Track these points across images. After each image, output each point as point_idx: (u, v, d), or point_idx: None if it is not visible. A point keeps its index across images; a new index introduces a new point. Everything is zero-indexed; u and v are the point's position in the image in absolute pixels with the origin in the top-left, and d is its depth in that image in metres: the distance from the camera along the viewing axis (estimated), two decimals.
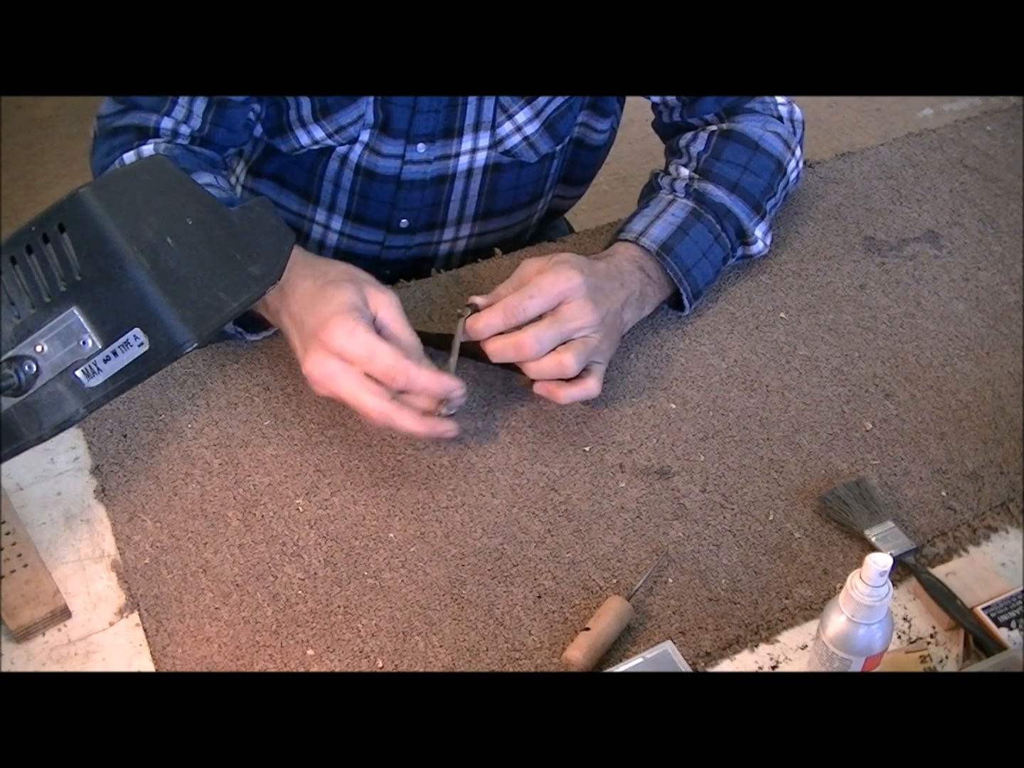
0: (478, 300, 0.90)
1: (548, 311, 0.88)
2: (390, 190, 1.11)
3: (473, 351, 0.90)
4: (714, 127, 1.07)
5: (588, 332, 0.88)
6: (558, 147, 1.14)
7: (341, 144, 1.07)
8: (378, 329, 0.84)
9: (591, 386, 0.89)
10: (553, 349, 0.87)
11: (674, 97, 1.09)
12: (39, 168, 2.49)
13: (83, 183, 0.62)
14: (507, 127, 1.08)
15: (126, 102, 1.01)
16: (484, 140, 1.09)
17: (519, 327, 0.87)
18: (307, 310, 0.84)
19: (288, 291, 0.87)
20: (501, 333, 0.88)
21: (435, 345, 0.94)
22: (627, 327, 0.97)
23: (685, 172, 1.04)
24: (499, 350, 0.87)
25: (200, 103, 0.99)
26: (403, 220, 1.14)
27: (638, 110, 1.24)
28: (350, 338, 0.81)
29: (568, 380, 0.88)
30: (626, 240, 0.99)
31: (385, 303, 0.85)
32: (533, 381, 0.90)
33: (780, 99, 1.09)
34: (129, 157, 0.98)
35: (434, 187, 1.12)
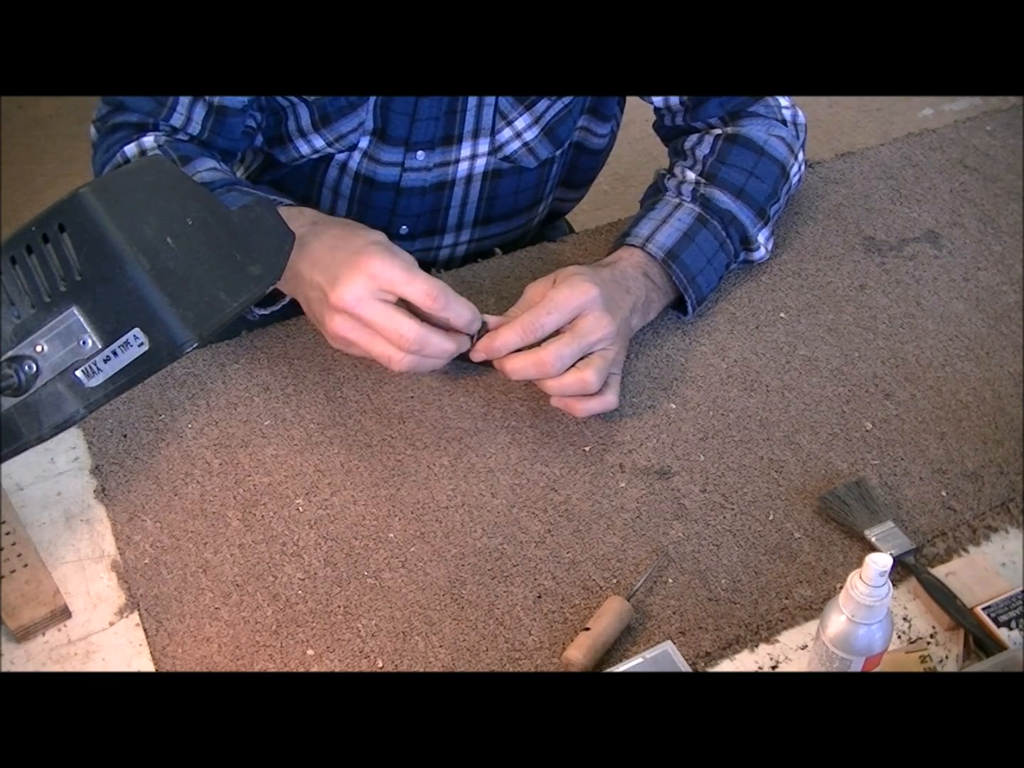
0: (489, 319, 0.89)
1: (565, 326, 0.87)
2: (389, 197, 1.11)
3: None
4: (719, 131, 1.07)
5: (606, 344, 0.88)
6: (558, 152, 1.14)
7: (340, 151, 1.07)
8: None
9: (609, 399, 0.88)
10: (573, 364, 0.86)
11: (677, 101, 1.08)
12: (39, 168, 2.49)
13: (83, 183, 0.62)
14: (506, 133, 1.08)
15: (119, 103, 1.00)
16: (483, 146, 1.09)
17: (536, 344, 0.87)
18: (337, 248, 0.85)
19: (311, 239, 0.87)
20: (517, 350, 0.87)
21: None
22: (633, 332, 0.97)
23: (691, 175, 1.04)
24: (520, 368, 0.86)
25: (199, 110, 0.98)
26: (403, 227, 1.14)
27: (638, 110, 1.24)
28: (390, 264, 0.82)
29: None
30: (632, 245, 0.99)
31: (410, 257, 0.86)
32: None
33: (784, 102, 1.08)
34: (131, 149, 0.97)
35: (433, 194, 1.11)
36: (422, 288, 0.82)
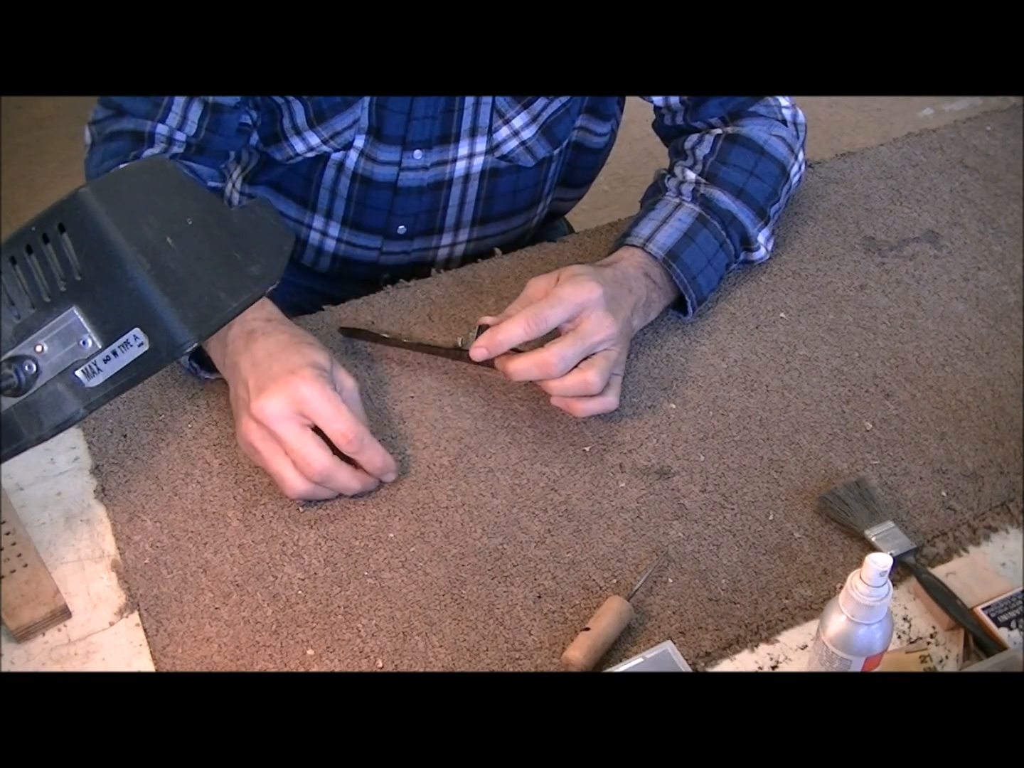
0: (488, 320, 0.89)
1: (567, 325, 0.87)
2: (387, 197, 1.11)
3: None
4: (719, 130, 1.07)
5: (608, 345, 0.88)
6: (556, 151, 1.14)
7: (336, 150, 1.07)
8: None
9: (610, 400, 0.88)
10: (575, 365, 0.86)
11: (677, 100, 1.08)
12: (39, 168, 2.49)
13: (83, 183, 0.62)
14: (504, 132, 1.08)
15: (116, 107, 1.00)
16: (481, 145, 1.09)
17: (537, 343, 0.86)
18: (276, 357, 0.83)
19: (259, 337, 0.86)
20: (517, 351, 0.87)
21: (442, 356, 0.96)
22: (634, 332, 0.97)
23: (691, 175, 1.03)
24: (522, 369, 0.86)
25: (196, 109, 0.98)
26: (400, 226, 1.14)
27: (638, 110, 1.24)
28: (319, 394, 0.81)
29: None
30: (632, 245, 0.99)
31: (350, 386, 0.86)
32: None
33: (784, 102, 1.08)
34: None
35: (431, 193, 1.11)
36: (340, 429, 0.81)
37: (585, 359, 0.87)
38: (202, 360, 0.93)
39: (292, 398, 0.80)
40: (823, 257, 1.10)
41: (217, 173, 1.04)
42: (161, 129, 0.98)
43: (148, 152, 0.98)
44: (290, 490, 0.83)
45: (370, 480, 0.85)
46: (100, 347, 0.62)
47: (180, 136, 0.99)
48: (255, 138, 1.09)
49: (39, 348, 0.62)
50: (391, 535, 0.84)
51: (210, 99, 0.98)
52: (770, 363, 0.99)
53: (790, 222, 1.13)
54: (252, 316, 0.88)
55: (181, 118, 0.98)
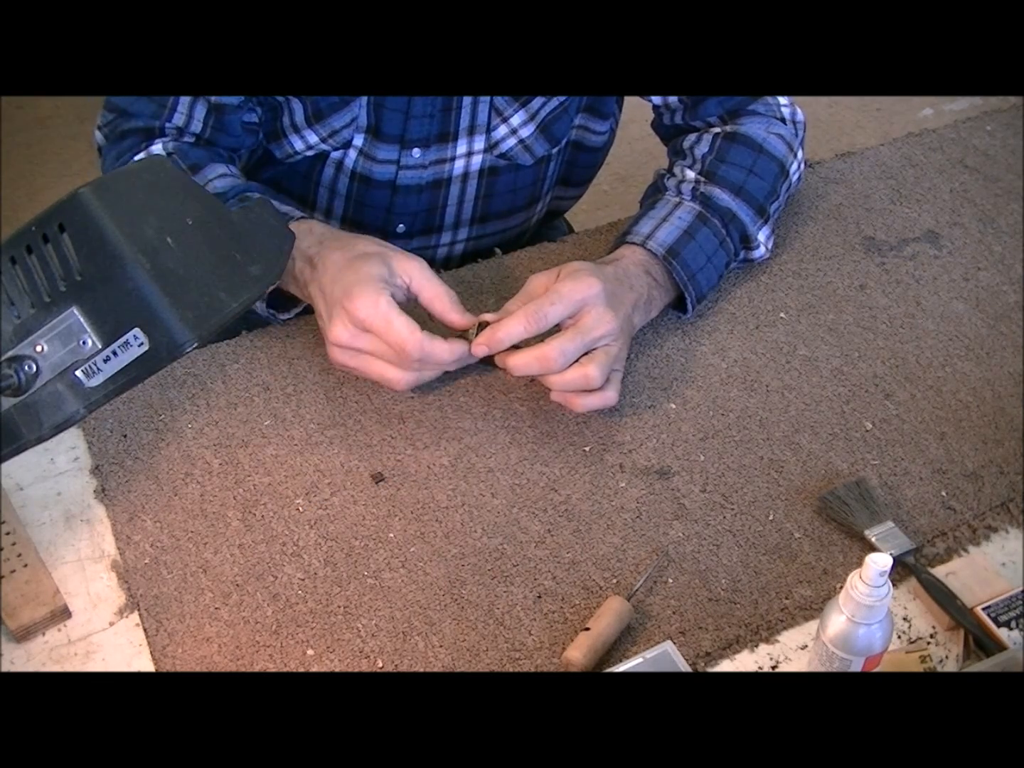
0: (488, 317, 0.89)
1: (567, 321, 0.87)
2: (386, 195, 1.11)
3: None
4: (718, 129, 1.07)
5: (609, 340, 0.88)
6: (554, 150, 1.14)
7: (335, 148, 1.07)
8: (415, 294, 0.89)
9: (609, 395, 0.88)
10: (576, 360, 0.86)
11: (676, 99, 1.08)
12: (39, 168, 2.49)
13: (83, 183, 0.62)
14: (502, 130, 1.08)
15: (121, 111, 1.00)
16: (479, 143, 1.09)
17: (537, 339, 0.86)
18: (336, 280, 0.87)
19: (319, 263, 0.90)
20: (518, 347, 0.87)
21: None
22: (635, 330, 0.97)
23: (691, 174, 1.04)
24: (523, 365, 0.86)
25: (200, 108, 0.99)
26: (400, 225, 1.14)
27: (638, 110, 1.24)
28: (373, 308, 0.85)
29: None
30: (633, 243, 0.99)
31: (415, 269, 0.89)
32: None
33: (783, 100, 1.08)
34: (139, 158, 0.98)
35: (430, 192, 1.11)
36: (395, 341, 0.85)
37: (585, 354, 0.87)
38: (276, 303, 0.98)
39: (353, 320, 0.85)
40: (823, 257, 1.10)
41: (226, 165, 1.04)
42: (170, 126, 0.99)
43: (160, 143, 0.99)
44: (397, 384, 0.88)
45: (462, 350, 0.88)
46: (100, 347, 0.62)
47: (188, 138, 1.00)
48: (262, 135, 1.09)
49: (39, 348, 0.62)
50: (391, 535, 0.84)
51: (212, 99, 0.99)
52: (770, 363, 0.99)
53: (790, 222, 1.13)
54: (306, 244, 0.91)
55: (187, 117, 0.99)
